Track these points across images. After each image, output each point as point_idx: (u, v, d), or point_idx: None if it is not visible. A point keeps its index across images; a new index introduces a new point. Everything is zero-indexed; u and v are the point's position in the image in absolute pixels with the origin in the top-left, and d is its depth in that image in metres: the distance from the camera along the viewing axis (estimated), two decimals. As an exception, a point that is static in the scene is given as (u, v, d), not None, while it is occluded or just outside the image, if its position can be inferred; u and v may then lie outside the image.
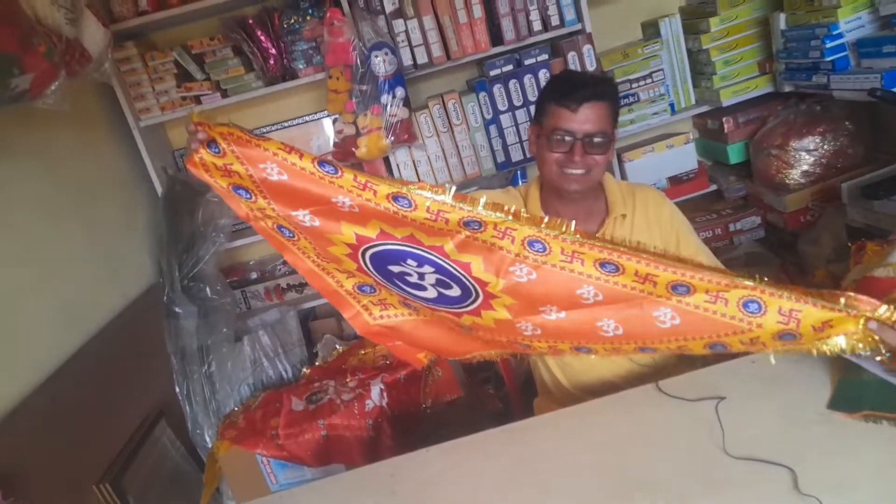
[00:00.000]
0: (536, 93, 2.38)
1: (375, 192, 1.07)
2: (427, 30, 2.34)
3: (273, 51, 2.43)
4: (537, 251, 1.07)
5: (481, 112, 2.45)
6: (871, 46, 1.95)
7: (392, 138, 2.30)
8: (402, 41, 2.35)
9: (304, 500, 1.32)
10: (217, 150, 1.10)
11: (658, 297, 1.05)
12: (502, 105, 2.44)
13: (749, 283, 0.99)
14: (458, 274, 1.15)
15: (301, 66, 2.44)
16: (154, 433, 1.97)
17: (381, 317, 1.32)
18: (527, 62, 2.42)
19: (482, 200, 1.05)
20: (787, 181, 2.40)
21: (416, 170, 2.50)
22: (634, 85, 2.51)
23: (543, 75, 2.39)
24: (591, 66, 2.39)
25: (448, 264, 1.14)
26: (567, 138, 1.39)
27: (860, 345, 0.97)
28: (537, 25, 2.39)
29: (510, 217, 1.05)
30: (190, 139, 1.11)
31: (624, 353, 1.17)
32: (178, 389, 2.15)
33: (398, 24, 2.34)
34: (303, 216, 1.14)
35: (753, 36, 2.44)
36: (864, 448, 1.03)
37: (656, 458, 1.13)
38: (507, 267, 1.10)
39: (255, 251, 2.82)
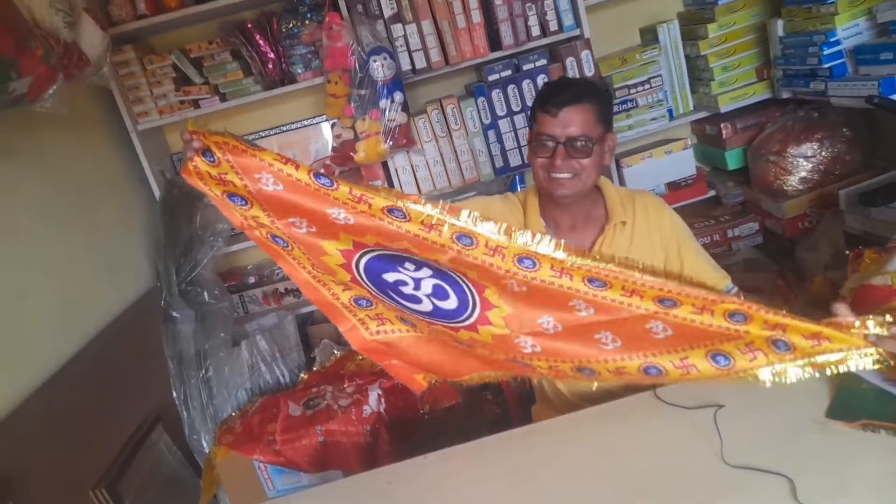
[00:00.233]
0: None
1: (370, 206, 1.07)
2: (426, 34, 2.35)
3: (272, 55, 2.43)
4: (527, 267, 1.07)
5: (480, 117, 2.45)
6: (868, 53, 1.96)
7: (390, 143, 2.30)
8: (401, 46, 2.36)
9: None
10: (212, 159, 1.10)
11: (646, 310, 1.05)
12: (501, 110, 2.44)
13: (734, 299, 1.00)
14: (454, 277, 1.15)
15: (300, 71, 2.44)
16: (151, 438, 1.96)
17: (378, 332, 1.28)
18: (525, 67, 2.42)
19: (474, 215, 1.05)
20: (785, 187, 2.40)
21: (414, 175, 2.50)
22: (633, 91, 2.51)
23: (542, 80, 2.39)
24: (589, 72, 2.39)
25: (445, 268, 1.14)
26: (549, 143, 1.41)
27: (867, 359, 0.97)
28: (536, 31, 2.40)
29: (502, 234, 1.05)
30: (185, 147, 1.11)
31: (629, 378, 1.14)
32: (175, 394, 2.14)
33: (397, 29, 2.34)
34: (298, 224, 1.14)
35: (751, 42, 2.45)
36: (862, 457, 1.02)
37: (654, 466, 1.13)
38: (501, 282, 1.10)
39: (254, 256, 2.81)
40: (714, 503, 1.02)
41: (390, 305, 1.23)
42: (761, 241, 2.62)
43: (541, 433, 1.33)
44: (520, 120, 2.44)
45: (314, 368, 2.26)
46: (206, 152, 1.10)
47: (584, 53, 2.38)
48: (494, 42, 2.40)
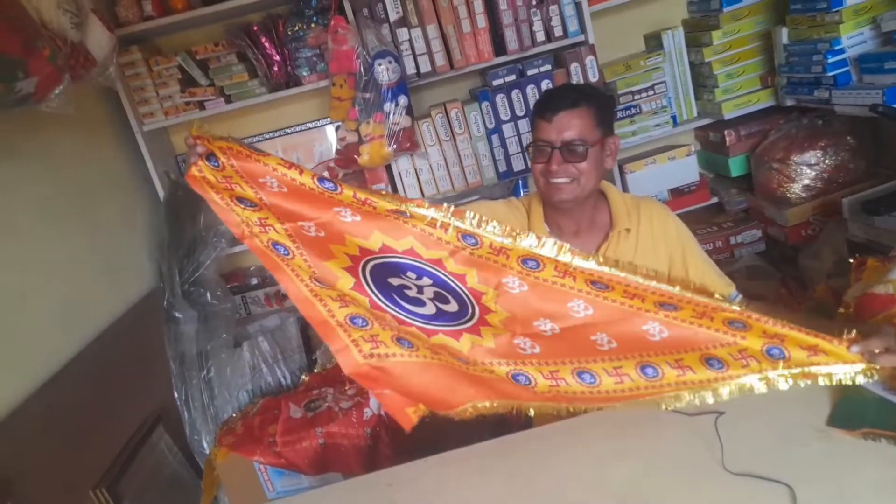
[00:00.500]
0: (539, 103, 2.39)
1: (374, 208, 1.08)
2: (431, 39, 2.36)
3: (277, 57, 2.45)
4: (531, 268, 1.08)
5: (484, 121, 2.46)
6: (872, 62, 1.96)
7: (394, 146, 2.31)
8: (406, 50, 2.36)
9: (300, 508, 1.31)
10: (216, 164, 1.11)
11: (646, 311, 1.07)
12: (505, 115, 2.44)
13: (735, 307, 1.01)
14: (454, 286, 1.15)
15: (305, 74, 2.45)
16: (151, 438, 1.97)
17: (372, 354, 1.24)
18: (529, 72, 2.42)
19: (479, 217, 1.06)
20: (788, 195, 2.40)
21: (417, 178, 2.51)
22: (637, 97, 2.51)
23: (546, 85, 2.40)
24: (593, 78, 2.39)
25: (445, 276, 1.14)
26: (546, 148, 1.41)
27: (860, 375, 1.00)
28: (540, 36, 2.40)
29: (506, 237, 1.05)
30: (189, 152, 1.12)
31: (629, 385, 1.14)
32: (176, 395, 2.15)
33: (402, 33, 2.35)
34: (307, 227, 1.14)
35: (756, 50, 2.45)
36: (863, 466, 1.02)
37: (655, 472, 1.13)
38: (501, 278, 1.11)
39: (256, 257, 2.81)
40: (714, 510, 1.02)
41: (391, 317, 1.22)
42: (764, 248, 2.62)
43: (541, 438, 1.33)
44: (524, 125, 2.44)
45: (315, 370, 2.26)
46: (210, 157, 1.10)
47: (589, 59, 2.38)
48: (499, 47, 2.41)
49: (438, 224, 1.07)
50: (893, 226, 1.91)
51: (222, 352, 2.25)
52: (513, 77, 2.43)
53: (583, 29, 2.41)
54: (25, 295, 1.72)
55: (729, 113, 2.49)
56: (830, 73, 2.07)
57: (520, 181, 2.60)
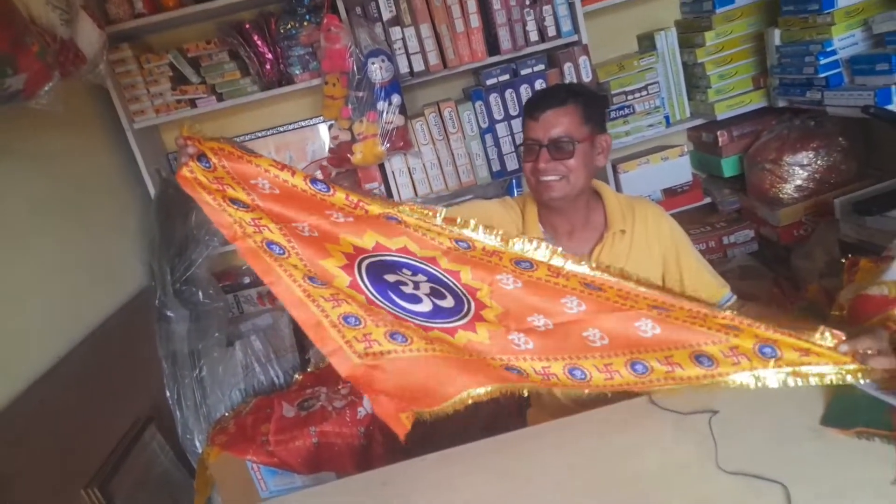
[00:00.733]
0: (533, 103, 2.39)
1: (367, 212, 1.07)
2: (424, 38, 2.35)
3: (269, 56, 2.43)
4: (524, 268, 1.08)
5: (477, 121, 2.46)
6: (864, 64, 1.97)
7: (387, 145, 2.30)
8: (399, 49, 2.36)
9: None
10: (208, 165, 1.10)
11: (639, 310, 1.08)
12: (498, 114, 2.44)
13: (728, 313, 1.02)
14: (449, 282, 1.16)
15: (297, 72, 2.44)
16: (143, 438, 1.95)
17: (366, 353, 1.25)
18: (523, 72, 2.43)
19: (472, 223, 1.06)
20: (780, 195, 2.42)
21: (411, 177, 2.50)
22: (630, 97, 2.52)
23: (539, 85, 2.40)
24: (586, 78, 2.40)
25: (439, 272, 1.15)
26: (534, 146, 1.42)
27: (850, 375, 1.02)
28: (534, 36, 2.41)
29: (499, 241, 1.06)
30: (180, 152, 1.11)
31: (619, 381, 1.16)
32: (168, 394, 2.13)
33: (395, 32, 2.34)
34: (301, 227, 1.14)
35: (748, 51, 2.47)
36: (856, 465, 1.03)
37: (649, 471, 1.13)
38: (494, 275, 1.11)
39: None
40: (708, 509, 1.03)
41: (387, 313, 1.22)
42: (756, 248, 2.64)
43: (536, 437, 1.33)
44: (517, 124, 2.44)
45: (308, 369, 2.26)
46: (201, 157, 1.09)
47: (582, 59, 2.39)
48: (493, 46, 2.41)
49: (429, 229, 1.07)
50: (885, 226, 1.92)
51: (214, 351, 2.24)
52: (506, 77, 2.44)
53: (576, 29, 2.41)
54: (15, 293, 1.71)
55: (722, 114, 2.50)
56: (822, 75, 2.08)
57: (513, 180, 2.60)
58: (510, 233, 1.08)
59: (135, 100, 2.42)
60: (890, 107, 1.87)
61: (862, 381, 1.03)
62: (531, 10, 2.37)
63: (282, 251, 1.17)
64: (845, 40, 2.04)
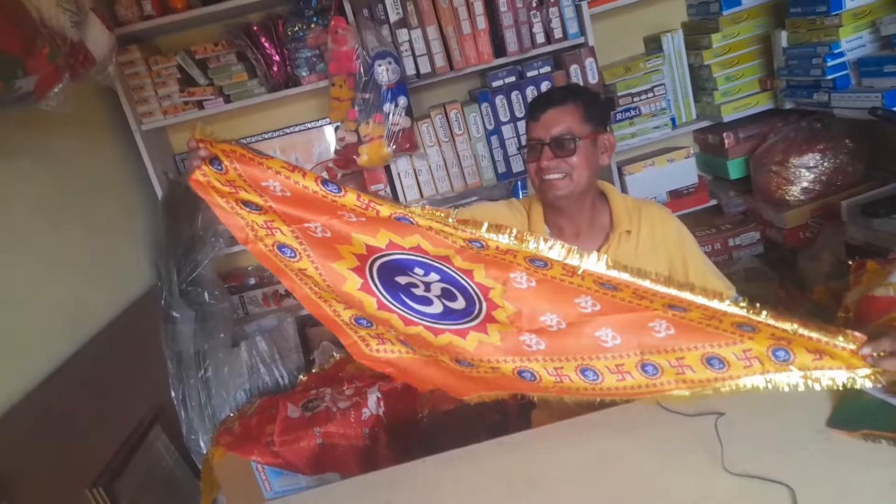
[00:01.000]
0: (538, 105, 2.39)
1: (378, 213, 1.07)
2: (431, 40, 2.36)
3: (277, 58, 2.44)
4: (538, 266, 1.07)
5: (483, 122, 2.46)
6: (872, 66, 1.97)
7: (393, 147, 2.31)
8: (406, 51, 2.36)
9: (298, 508, 1.31)
10: (220, 167, 1.10)
11: (654, 310, 1.07)
12: (504, 116, 2.44)
13: (742, 314, 1.00)
14: (462, 282, 1.16)
15: (304, 74, 2.44)
16: (148, 438, 1.96)
17: (379, 350, 1.31)
18: (529, 74, 2.43)
19: (485, 225, 1.04)
20: (786, 197, 2.41)
21: (416, 179, 2.51)
22: (636, 99, 2.52)
23: (545, 87, 2.40)
24: (592, 80, 2.40)
25: (453, 271, 1.15)
26: (536, 146, 1.43)
27: (864, 379, 1.00)
28: (540, 38, 2.41)
29: (513, 240, 1.04)
30: (190, 154, 1.11)
31: (630, 384, 1.16)
32: (173, 394, 2.14)
33: (402, 34, 2.35)
34: (314, 227, 1.14)
35: (755, 53, 2.46)
36: (863, 467, 1.02)
37: (654, 473, 1.13)
38: (509, 273, 1.11)
39: (254, 258, 2.81)
40: (714, 511, 1.02)
41: (398, 317, 1.23)
42: (762, 250, 2.63)
43: (540, 438, 1.33)
44: (523, 126, 2.44)
45: (313, 370, 2.26)
46: (213, 160, 1.10)
47: (589, 61, 2.39)
48: (499, 48, 2.41)
49: (441, 230, 1.07)
50: (892, 228, 1.91)
51: (220, 351, 2.24)
52: (512, 78, 2.44)
53: (582, 31, 2.41)
54: (22, 294, 1.72)
55: (728, 115, 2.50)
56: (829, 77, 2.07)
57: (518, 182, 2.60)
58: (522, 232, 1.07)
59: (143, 101, 2.43)
60: (897, 109, 1.86)
61: (876, 386, 1.02)
62: (538, 13, 2.37)
63: (293, 254, 1.18)
64: (853, 42, 2.03)
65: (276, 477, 1.87)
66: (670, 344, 1.10)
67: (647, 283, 1.02)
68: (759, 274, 2.47)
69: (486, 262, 1.11)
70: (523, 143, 2.42)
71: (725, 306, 1.00)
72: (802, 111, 2.39)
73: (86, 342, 1.88)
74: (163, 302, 2.22)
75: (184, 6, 2.36)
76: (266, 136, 2.71)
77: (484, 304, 1.17)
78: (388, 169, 2.49)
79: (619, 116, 2.52)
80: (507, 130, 2.46)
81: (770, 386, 1.06)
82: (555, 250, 1.03)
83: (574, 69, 2.39)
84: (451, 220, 1.05)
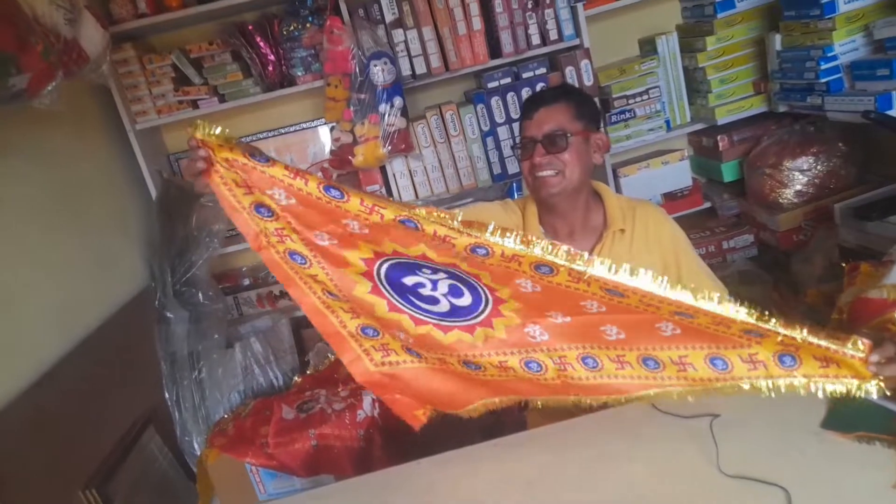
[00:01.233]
0: (534, 106, 2.40)
1: (382, 217, 1.06)
2: (426, 40, 2.36)
3: (272, 57, 2.44)
4: (544, 273, 1.06)
5: (478, 124, 2.46)
6: (865, 69, 1.98)
7: (389, 147, 2.31)
8: (402, 51, 2.36)
9: (293, 510, 1.30)
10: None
11: (661, 315, 1.06)
12: (500, 117, 2.45)
13: (753, 320, 0.99)
14: (469, 280, 1.16)
15: (299, 73, 2.44)
16: (142, 439, 1.95)
17: (383, 363, 1.29)
18: (525, 75, 2.43)
19: (490, 227, 1.03)
20: (780, 200, 2.42)
21: (412, 180, 2.51)
22: (631, 101, 2.52)
23: (541, 89, 2.40)
24: (588, 81, 2.40)
25: (459, 272, 1.15)
26: (529, 144, 1.45)
27: (870, 389, 0.99)
28: (536, 39, 2.41)
29: (519, 244, 1.03)
30: (190, 154, 1.10)
31: (630, 373, 1.16)
32: (167, 395, 2.13)
33: (398, 34, 2.35)
34: (321, 236, 1.14)
35: (749, 56, 2.47)
36: (857, 469, 1.03)
37: (649, 475, 1.13)
38: (514, 279, 1.10)
39: (249, 258, 2.80)
40: (709, 513, 1.03)
41: (408, 317, 1.23)
42: (756, 253, 2.64)
43: (535, 440, 1.33)
44: (518, 127, 2.44)
45: (308, 372, 2.25)
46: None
47: (584, 63, 2.39)
48: (495, 50, 2.42)
49: (444, 235, 1.05)
50: (885, 231, 1.93)
51: (214, 352, 2.23)
52: (508, 80, 2.44)
53: (578, 33, 2.42)
54: (14, 294, 1.70)
55: (722, 118, 2.51)
56: (823, 80, 2.09)
57: (514, 183, 2.60)
58: (528, 235, 1.06)
59: (137, 100, 2.42)
60: (890, 112, 1.87)
61: (881, 395, 1.01)
62: (533, 14, 2.38)
63: (304, 261, 1.18)
64: (846, 45, 2.05)
65: (271, 479, 1.86)
66: (675, 342, 1.10)
67: (653, 289, 0.99)
68: (753, 276, 2.48)
69: (491, 271, 1.10)
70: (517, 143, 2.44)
71: (735, 313, 0.98)
72: (796, 114, 2.40)
73: (79, 343, 1.86)
74: (156, 302, 2.21)
75: (178, 4, 2.35)
76: (261, 136, 2.70)
77: (490, 300, 1.18)
78: (383, 170, 2.49)
79: (613, 118, 2.53)
80: (502, 132, 2.46)
81: (773, 393, 1.05)
82: (561, 255, 1.01)
83: (569, 71, 2.40)
84: (455, 222, 1.03)
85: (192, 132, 1.08)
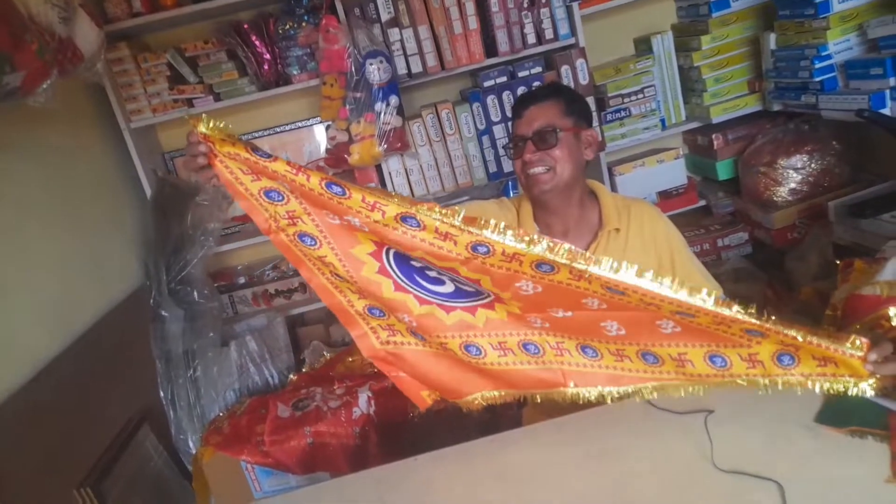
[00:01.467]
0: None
1: (384, 213, 1.06)
2: (422, 39, 2.36)
3: (267, 56, 2.44)
4: (545, 271, 1.06)
5: (474, 122, 2.46)
6: (858, 68, 1.99)
7: (385, 146, 2.31)
8: (397, 50, 2.36)
9: (289, 507, 1.30)
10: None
11: (662, 313, 1.06)
12: (495, 116, 2.45)
13: (753, 321, 0.99)
14: (469, 284, 1.18)
15: (295, 72, 2.44)
16: (137, 438, 1.94)
17: (388, 342, 1.31)
18: (520, 74, 2.43)
19: (492, 223, 1.02)
20: (774, 198, 2.43)
21: (408, 178, 2.51)
22: (626, 100, 2.53)
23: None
24: (583, 80, 2.41)
25: (460, 279, 1.16)
26: (520, 142, 1.46)
27: (867, 388, 1.00)
28: (531, 38, 2.42)
29: (520, 242, 1.02)
30: (190, 149, 1.10)
31: (628, 365, 1.17)
32: (162, 394, 2.13)
33: (393, 33, 2.35)
34: (332, 216, 1.15)
35: (744, 55, 2.48)
36: (850, 462, 1.03)
37: (645, 470, 1.14)
38: (514, 283, 1.10)
39: (244, 256, 2.80)
40: (704, 507, 1.03)
41: (413, 297, 1.23)
42: (750, 251, 2.65)
43: (531, 436, 1.33)
44: (510, 127, 2.45)
45: (303, 370, 2.25)
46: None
47: (579, 62, 2.39)
48: (490, 48, 2.42)
49: (445, 231, 1.04)
50: (878, 229, 1.93)
51: (209, 351, 2.23)
52: (503, 79, 2.44)
53: (573, 32, 2.42)
54: (8, 292, 1.70)
55: (717, 117, 2.52)
56: (817, 79, 2.09)
57: (509, 182, 2.60)
58: (530, 233, 1.06)
59: (132, 99, 2.41)
60: (884, 111, 1.89)
61: (877, 395, 1.02)
62: (529, 13, 2.38)
63: (313, 242, 1.19)
64: (840, 45, 2.05)
65: (266, 477, 1.86)
66: (675, 339, 1.10)
67: (655, 288, 0.99)
68: (747, 274, 2.49)
69: (492, 274, 1.10)
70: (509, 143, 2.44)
71: (735, 313, 0.98)
72: (790, 113, 2.41)
73: (73, 341, 1.86)
74: (151, 301, 2.20)
75: (173, 3, 2.35)
76: (256, 135, 2.70)
77: (492, 296, 1.19)
78: (379, 168, 2.49)
79: (609, 117, 2.54)
80: (498, 130, 2.46)
81: (769, 390, 1.06)
82: (561, 254, 1.01)
83: (565, 70, 2.40)
84: (457, 219, 1.03)
85: (195, 126, 1.07)
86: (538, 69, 2.44)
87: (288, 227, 1.18)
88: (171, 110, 2.44)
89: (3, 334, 1.63)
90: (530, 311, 1.19)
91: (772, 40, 2.30)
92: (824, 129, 2.36)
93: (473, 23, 2.36)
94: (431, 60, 2.38)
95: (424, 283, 1.23)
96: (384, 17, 2.34)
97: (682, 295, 0.99)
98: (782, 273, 2.37)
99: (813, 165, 2.37)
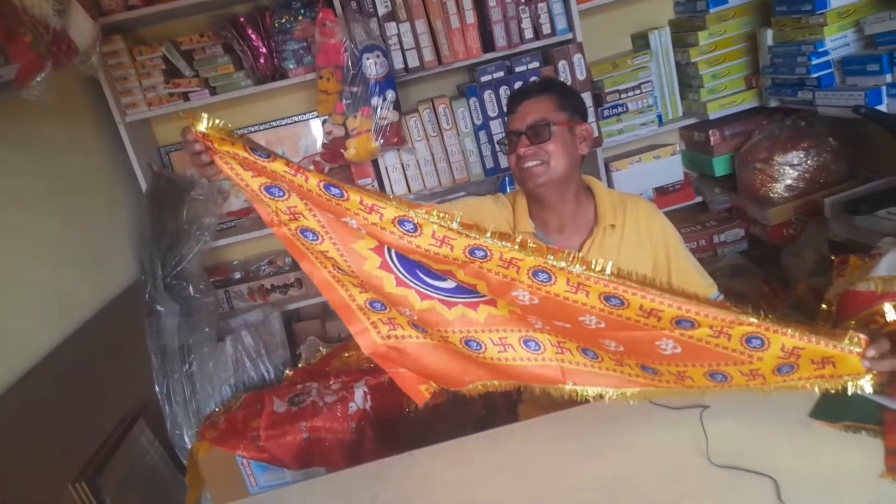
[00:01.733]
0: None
1: (381, 216, 1.06)
2: (419, 34, 2.35)
3: (263, 50, 2.42)
4: (542, 281, 1.06)
5: (471, 117, 2.46)
6: (855, 64, 1.99)
7: (381, 141, 2.30)
8: (394, 44, 2.35)
9: (284, 502, 1.30)
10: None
11: (662, 329, 1.05)
12: (492, 111, 2.44)
13: (754, 320, 0.99)
14: (466, 289, 1.19)
15: (291, 66, 2.43)
16: (132, 433, 1.94)
17: (389, 336, 1.32)
18: (518, 69, 2.43)
19: (490, 230, 1.04)
20: (770, 195, 2.43)
21: (404, 173, 2.50)
22: (623, 95, 2.53)
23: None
24: (580, 76, 2.40)
25: (457, 282, 1.17)
26: (514, 137, 1.46)
27: (864, 384, 1.00)
28: (529, 33, 2.41)
29: (516, 247, 1.03)
30: (186, 146, 1.09)
31: (628, 371, 1.18)
32: (157, 389, 2.12)
33: (390, 27, 2.34)
34: (332, 214, 1.15)
35: (741, 51, 2.48)
36: (845, 458, 1.04)
37: (640, 465, 1.14)
38: (511, 292, 1.10)
39: (240, 251, 2.79)
40: (699, 503, 1.03)
41: (415, 292, 1.24)
42: (746, 247, 2.65)
43: (527, 431, 1.34)
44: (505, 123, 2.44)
45: (300, 365, 2.25)
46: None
47: (577, 57, 2.39)
48: (488, 43, 2.41)
49: (443, 236, 1.05)
50: (874, 225, 1.94)
51: (205, 346, 2.23)
52: (501, 74, 2.44)
53: (571, 27, 2.42)
54: (3, 286, 1.69)
55: (714, 113, 2.52)
56: (814, 75, 2.10)
57: (506, 177, 2.60)
58: (527, 239, 1.06)
59: (127, 92, 2.40)
60: (880, 107, 1.89)
61: (876, 393, 1.02)
62: (526, 8, 2.37)
63: (315, 237, 1.19)
64: (837, 41, 2.05)
65: (262, 471, 1.86)
66: (675, 360, 1.10)
67: (653, 292, 0.99)
68: (744, 270, 2.49)
69: (488, 280, 1.10)
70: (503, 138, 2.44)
71: (734, 314, 0.98)
72: (787, 109, 2.42)
73: (68, 336, 1.85)
74: (147, 296, 2.20)
75: (169, -4, 2.33)
76: (252, 129, 2.69)
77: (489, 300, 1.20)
78: (375, 163, 2.48)
79: (606, 113, 2.53)
80: (495, 125, 2.46)
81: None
82: (560, 259, 1.01)
83: (562, 65, 2.40)
84: (455, 223, 1.04)
85: (194, 125, 1.06)
86: (535, 64, 2.43)
87: (290, 223, 1.19)
88: (166, 104, 2.42)
89: (-3, 328, 1.63)
90: (531, 314, 1.19)
91: (769, 36, 2.30)
92: (821, 126, 2.37)
93: (471, 17, 2.35)
94: (428, 55, 2.38)
95: (426, 279, 1.23)
96: (381, 11, 2.33)
97: (678, 299, 1.00)
98: (778, 269, 2.37)
99: (809, 162, 2.37)
